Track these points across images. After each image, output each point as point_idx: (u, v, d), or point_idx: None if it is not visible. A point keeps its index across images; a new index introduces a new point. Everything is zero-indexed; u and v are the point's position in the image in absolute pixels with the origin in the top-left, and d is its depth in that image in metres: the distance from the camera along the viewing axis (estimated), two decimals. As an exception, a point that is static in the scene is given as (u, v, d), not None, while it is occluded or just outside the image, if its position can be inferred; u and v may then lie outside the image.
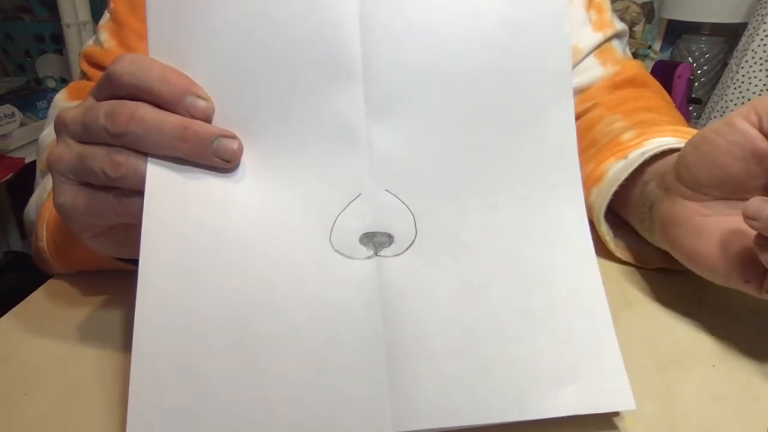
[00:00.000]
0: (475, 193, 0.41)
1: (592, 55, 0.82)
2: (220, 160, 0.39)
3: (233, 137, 0.40)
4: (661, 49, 2.27)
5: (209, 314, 0.36)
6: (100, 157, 0.38)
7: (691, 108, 2.07)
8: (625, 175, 0.57)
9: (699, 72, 2.09)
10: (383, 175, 0.41)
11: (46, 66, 1.96)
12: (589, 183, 0.62)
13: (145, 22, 0.52)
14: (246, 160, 0.40)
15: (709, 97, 1.69)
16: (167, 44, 0.40)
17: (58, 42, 1.93)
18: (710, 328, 0.49)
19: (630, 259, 0.59)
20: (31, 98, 1.79)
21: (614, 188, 0.57)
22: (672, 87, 1.81)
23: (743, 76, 1.52)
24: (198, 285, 0.37)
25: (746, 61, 1.51)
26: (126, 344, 0.47)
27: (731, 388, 0.42)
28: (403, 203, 0.41)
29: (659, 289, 0.55)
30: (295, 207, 0.40)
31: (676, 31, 2.19)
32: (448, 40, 0.41)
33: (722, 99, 1.56)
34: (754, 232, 0.38)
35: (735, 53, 1.59)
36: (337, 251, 0.39)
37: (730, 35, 2.06)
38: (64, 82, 1.93)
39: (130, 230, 0.41)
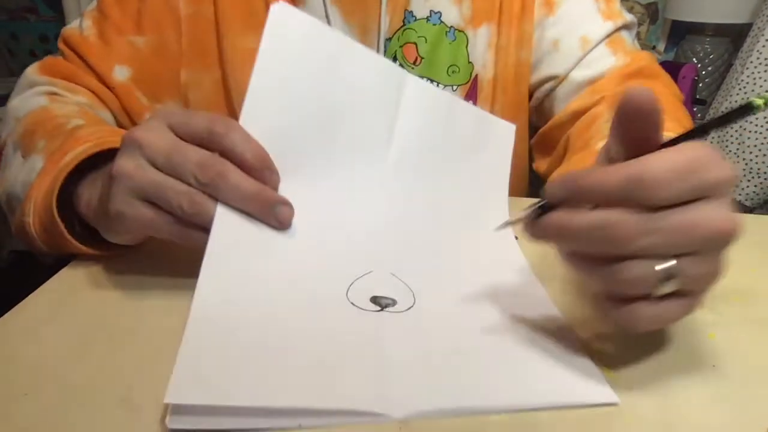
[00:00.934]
0: (457, 277, 0.56)
1: (603, 43, 0.82)
2: (276, 222, 0.50)
3: (290, 205, 0.51)
4: (666, 50, 2.26)
5: (248, 326, 0.45)
6: (180, 193, 0.47)
7: (695, 109, 2.06)
8: None
9: (703, 73, 2.09)
10: (391, 261, 0.55)
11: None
12: None
13: (128, 16, 0.73)
14: (294, 222, 0.52)
15: (713, 98, 1.68)
16: (259, 121, 0.51)
17: (62, 42, 1.93)
18: (710, 328, 0.49)
19: None
20: (36, 98, 1.79)
21: None
22: (682, 101, 1.81)
23: (748, 76, 1.51)
24: (242, 304, 0.47)
25: (751, 62, 1.51)
26: (126, 344, 0.47)
27: (731, 388, 0.42)
28: (405, 284, 0.53)
29: (660, 290, 0.54)
30: (323, 267, 0.52)
31: (681, 32, 2.19)
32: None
33: (726, 100, 1.55)
34: None
35: (740, 54, 1.59)
36: (351, 303, 0.49)
37: (734, 36, 2.06)
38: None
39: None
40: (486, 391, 0.41)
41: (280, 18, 0.53)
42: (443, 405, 0.40)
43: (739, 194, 1.53)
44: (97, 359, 0.45)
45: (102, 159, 0.59)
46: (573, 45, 0.83)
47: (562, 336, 0.47)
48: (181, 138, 0.49)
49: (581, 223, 0.38)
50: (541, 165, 0.92)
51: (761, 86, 1.48)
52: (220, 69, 0.84)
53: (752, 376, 0.43)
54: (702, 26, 2.09)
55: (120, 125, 0.84)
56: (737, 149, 1.51)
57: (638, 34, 2.20)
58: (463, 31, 0.85)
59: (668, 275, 0.37)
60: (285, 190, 0.52)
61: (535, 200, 0.42)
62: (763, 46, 1.49)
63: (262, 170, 0.49)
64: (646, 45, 2.27)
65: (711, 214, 0.36)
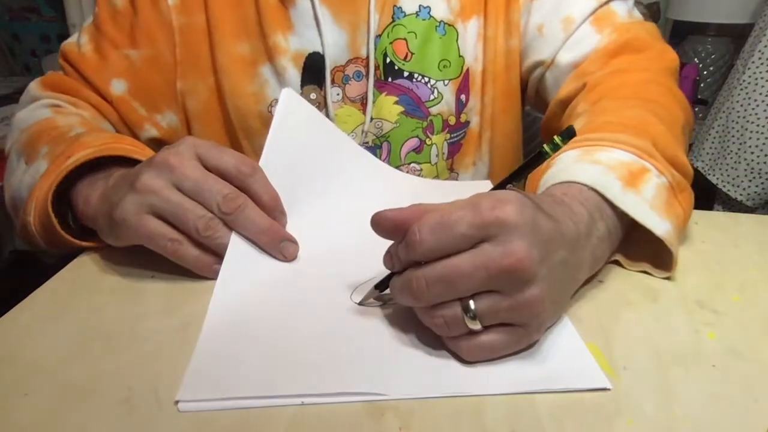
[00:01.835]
0: None
1: (587, 22, 0.80)
2: (281, 256, 0.58)
3: (295, 243, 0.59)
4: (667, 50, 2.26)
5: (258, 329, 0.49)
6: (199, 217, 0.53)
7: (696, 109, 2.06)
8: None
9: (705, 73, 2.09)
10: None
11: (53, 66, 1.96)
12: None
13: (122, 30, 0.81)
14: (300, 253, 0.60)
15: (714, 98, 1.68)
16: (276, 167, 0.60)
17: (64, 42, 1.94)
18: (710, 328, 0.49)
19: None
20: (37, 98, 1.79)
21: None
22: (676, 69, 1.81)
23: (749, 77, 1.51)
24: (252, 313, 0.51)
25: (753, 62, 1.50)
26: (126, 344, 0.47)
27: (731, 388, 0.42)
28: None
29: (659, 289, 0.54)
30: (328, 279, 0.56)
31: (682, 32, 2.18)
32: None
33: (728, 100, 1.55)
34: None
35: (741, 54, 1.58)
36: (354, 303, 0.52)
37: (736, 36, 2.06)
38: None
39: None
40: (482, 374, 0.43)
41: (289, 98, 0.66)
42: (440, 387, 0.42)
43: (741, 194, 1.53)
44: (97, 359, 0.45)
45: (103, 164, 0.62)
46: (556, 27, 0.81)
47: (557, 324, 0.48)
48: (208, 169, 0.55)
49: (393, 286, 0.46)
50: None
51: (763, 86, 1.48)
52: (213, 76, 0.85)
53: (752, 376, 0.43)
54: (704, 26, 2.09)
55: None
56: (738, 149, 1.51)
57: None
58: (452, 26, 0.85)
59: (472, 314, 0.42)
60: (290, 229, 0.61)
61: None
62: (765, 46, 1.48)
63: (274, 211, 0.58)
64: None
65: (495, 253, 0.40)
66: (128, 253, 0.58)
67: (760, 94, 1.48)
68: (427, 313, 0.43)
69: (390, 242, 0.46)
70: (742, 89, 1.52)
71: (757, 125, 1.48)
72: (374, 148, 0.87)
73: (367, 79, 0.84)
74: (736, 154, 1.52)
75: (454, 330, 0.43)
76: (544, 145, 0.45)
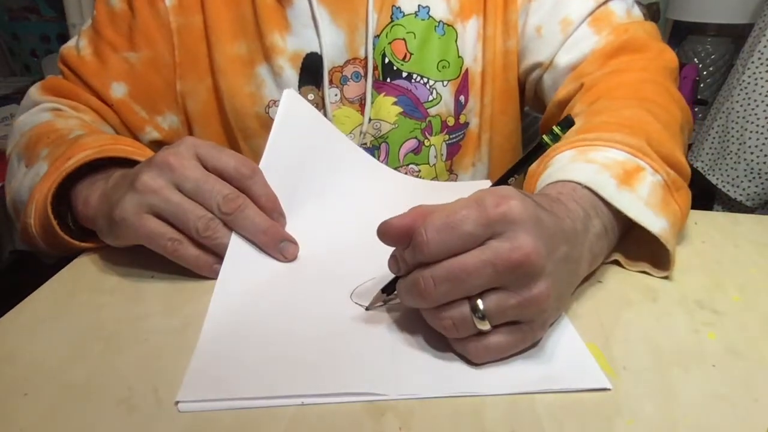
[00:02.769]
0: None
1: (585, 23, 0.80)
2: (281, 256, 0.58)
3: (295, 243, 0.59)
4: (667, 50, 2.26)
5: (258, 329, 0.49)
6: (199, 217, 0.54)
7: (696, 109, 2.06)
8: None
9: (705, 73, 2.09)
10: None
11: (52, 66, 1.96)
12: None
13: (120, 33, 0.82)
14: (301, 253, 0.60)
15: (714, 99, 1.68)
16: (276, 169, 0.61)
17: (63, 42, 1.93)
18: (710, 328, 0.49)
19: None
20: (37, 98, 1.79)
21: None
22: (674, 69, 1.81)
23: (749, 77, 1.51)
24: (255, 307, 0.52)
25: (752, 62, 1.50)
26: (126, 344, 0.47)
27: (731, 388, 0.42)
28: None
29: (659, 289, 0.54)
30: (328, 279, 0.56)
31: (682, 32, 2.18)
32: None
33: (728, 100, 1.55)
34: None
35: (741, 54, 1.58)
36: (355, 303, 0.52)
37: (736, 36, 2.06)
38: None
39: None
40: (482, 374, 0.43)
41: (290, 99, 0.66)
42: (440, 387, 0.42)
43: (740, 194, 1.53)
44: (96, 359, 0.45)
45: (102, 165, 0.62)
46: (555, 29, 0.81)
47: (558, 324, 0.48)
48: (208, 169, 0.56)
49: (399, 289, 0.45)
50: None
51: (762, 86, 1.48)
52: (211, 77, 0.85)
53: (752, 376, 0.43)
54: (703, 26, 2.09)
55: None
56: (738, 149, 1.51)
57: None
58: (452, 26, 0.84)
59: (481, 314, 0.41)
60: (290, 229, 0.61)
61: None
62: (765, 47, 1.48)
63: (273, 212, 0.59)
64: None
65: (503, 248, 0.40)
66: (128, 253, 0.58)
67: (760, 94, 1.48)
68: (435, 315, 0.43)
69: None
70: (741, 89, 1.52)
71: (757, 125, 1.48)
72: (372, 149, 0.86)
73: (366, 80, 0.84)
74: (736, 154, 1.52)
75: (462, 331, 0.42)
76: (544, 136, 0.46)
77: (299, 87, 0.83)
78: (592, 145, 0.57)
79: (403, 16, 0.83)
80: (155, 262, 0.56)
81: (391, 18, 0.83)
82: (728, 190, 1.54)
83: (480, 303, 0.41)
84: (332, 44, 0.82)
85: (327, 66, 0.82)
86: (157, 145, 0.87)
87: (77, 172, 0.61)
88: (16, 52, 2.21)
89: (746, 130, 1.50)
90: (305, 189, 0.66)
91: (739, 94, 1.52)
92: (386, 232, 0.44)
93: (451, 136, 0.88)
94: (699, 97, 2.08)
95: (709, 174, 1.59)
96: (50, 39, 2.14)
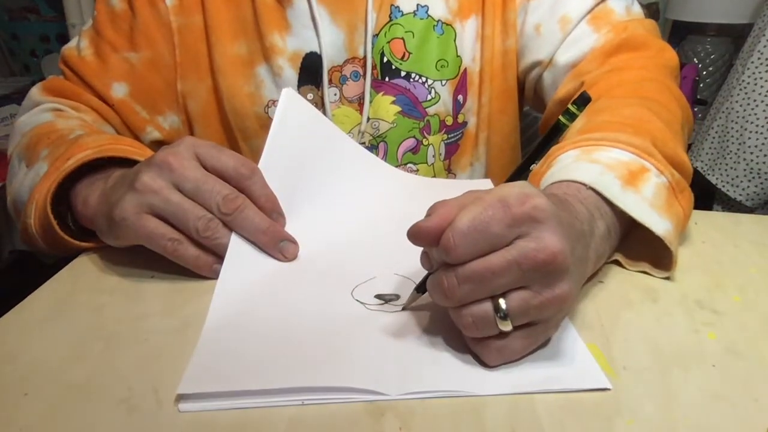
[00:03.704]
0: None
1: (584, 21, 0.80)
2: (281, 255, 0.58)
3: (295, 243, 0.59)
4: (667, 50, 2.26)
5: (259, 326, 0.49)
6: (199, 217, 0.54)
7: (696, 109, 2.06)
8: None
9: (704, 73, 2.09)
10: (393, 263, 0.58)
11: (52, 66, 1.97)
12: None
13: (121, 34, 0.82)
14: (301, 251, 0.60)
15: (714, 99, 1.68)
16: (275, 169, 0.61)
17: (63, 42, 1.92)
18: (710, 328, 0.49)
19: None
20: (37, 98, 1.79)
21: None
22: (675, 67, 1.81)
23: (749, 77, 1.51)
24: (254, 310, 0.51)
25: (752, 62, 1.50)
26: (126, 344, 0.47)
27: (731, 388, 0.42)
28: (408, 278, 0.55)
29: (659, 289, 0.54)
30: (328, 276, 0.57)
31: (682, 32, 2.18)
32: None
33: (728, 100, 1.55)
34: None
35: (741, 54, 1.58)
36: (356, 300, 0.52)
37: (735, 36, 2.06)
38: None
39: None
40: (483, 374, 0.43)
41: (289, 98, 0.66)
42: (438, 388, 0.42)
43: (740, 194, 1.53)
44: (96, 359, 0.45)
45: (102, 165, 0.62)
46: (554, 27, 0.81)
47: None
48: (207, 169, 0.56)
49: (428, 285, 0.44)
50: None
51: (762, 86, 1.48)
52: (211, 77, 0.85)
53: (752, 376, 0.43)
54: (703, 26, 2.09)
55: None
56: (738, 149, 1.51)
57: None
58: (450, 25, 0.85)
59: (503, 314, 0.41)
60: (290, 229, 0.61)
61: None
62: (764, 46, 1.48)
63: (272, 212, 0.59)
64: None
65: (530, 247, 0.40)
66: (128, 253, 0.58)
67: (759, 94, 1.48)
68: (458, 313, 0.42)
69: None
70: (741, 89, 1.52)
71: (757, 125, 1.48)
72: (371, 149, 0.86)
73: (365, 79, 0.84)
74: (736, 154, 1.52)
75: (483, 330, 0.42)
76: (560, 117, 0.45)
77: (298, 87, 0.83)
78: (596, 145, 0.57)
79: (402, 15, 0.83)
80: (155, 262, 0.56)
81: (390, 17, 0.83)
82: (728, 190, 1.54)
83: (503, 302, 0.41)
84: (331, 44, 0.82)
85: (326, 65, 0.82)
86: (157, 145, 0.87)
87: (77, 172, 0.61)
88: (15, 52, 2.20)
89: (746, 130, 1.50)
90: (305, 188, 0.66)
91: (738, 94, 1.52)
92: (416, 235, 0.43)
93: (449, 136, 0.88)
94: (699, 97, 2.08)
95: (708, 174, 1.59)
96: (50, 39, 2.13)
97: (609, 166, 0.54)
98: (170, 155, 0.54)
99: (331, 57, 0.83)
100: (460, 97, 0.87)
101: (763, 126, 1.47)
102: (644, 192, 0.54)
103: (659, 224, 0.53)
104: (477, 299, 0.41)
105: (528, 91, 0.89)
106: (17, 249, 1.65)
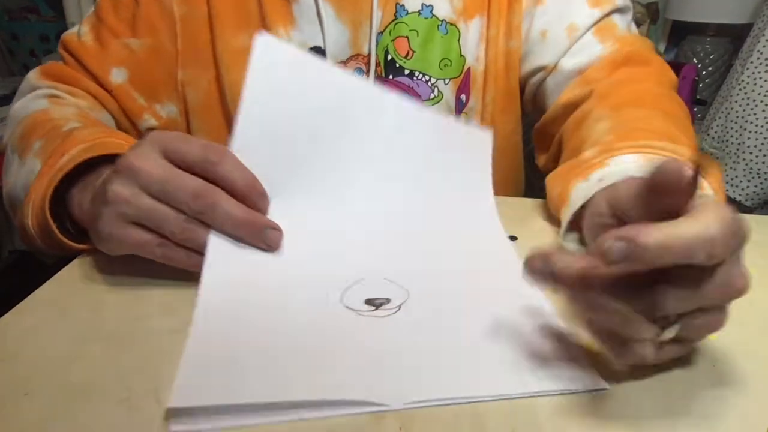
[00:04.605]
0: (449, 275, 0.57)
1: (590, 32, 0.81)
2: (265, 245, 0.54)
3: (279, 229, 0.55)
4: (666, 50, 2.26)
5: (248, 333, 0.47)
6: (173, 221, 0.51)
7: (695, 109, 2.07)
8: (582, 201, 0.57)
9: (704, 73, 2.09)
10: (382, 266, 0.56)
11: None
12: (559, 204, 0.63)
13: (123, 20, 0.80)
14: (284, 242, 0.55)
15: (713, 99, 1.68)
16: (250, 147, 0.55)
17: (63, 42, 1.93)
18: (711, 329, 0.49)
19: None
20: (36, 98, 1.79)
21: (574, 210, 0.59)
22: (676, 88, 1.81)
23: (748, 77, 1.51)
24: (241, 314, 0.49)
25: (751, 62, 1.51)
26: (126, 344, 0.47)
27: (731, 388, 0.42)
28: (398, 284, 0.54)
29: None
30: (317, 278, 0.54)
31: (681, 32, 2.19)
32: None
33: (727, 100, 1.55)
34: None
35: (740, 54, 1.59)
36: (346, 307, 0.50)
37: (735, 36, 2.06)
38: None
39: None
40: (480, 379, 0.43)
41: (264, 48, 0.57)
42: (439, 394, 0.41)
43: (739, 194, 1.53)
44: (97, 359, 0.45)
45: (96, 162, 0.61)
46: (560, 34, 0.82)
47: (552, 327, 0.48)
48: (175, 164, 0.52)
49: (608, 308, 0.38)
50: (540, 160, 0.92)
51: (761, 86, 1.48)
52: (214, 68, 0.85)
53: (752, 376, 0.43)
54: (702, 26, 2.09)
55: (119, 127, 0.85)
56: (737, 149, 1.51)
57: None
58: (455, 25, 0.85)
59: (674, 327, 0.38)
60: (276, 210, 0.56)
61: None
62: (764, 46, 1.49)
63: (252, 195, 0.54)
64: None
65: (735, 273, 0.38)
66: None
67: (759, 94, 1.48)
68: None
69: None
70: (740, 89, 1.52)
71: (756, 125, 1.48)
72: None
73: (368, 76, 0.84)
74: (735, 154, 1.52)
75: (639, 335, 0.38)
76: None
77: None
78: (657, 154, 0.58)
79: (407, 14, 0.83)
80: (155, 262, 0.56)
81: (395, 15, 0.83)
82: (727, 190, 1.54)
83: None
84: (336, 40, 0.83)
85: (330, 61, 0.82)
86: None
87: (74, 170, 0.60)
88: (15, 52, 2.20)
89: (745, 130, 1.50)
90: (291, 156, 0.59)
91: (738, 94, 1.53)
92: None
93: None
94: (698, 97, 2.08)
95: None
96: (49, 39, 2.13)
97: None
98: (133, 157, 0.51)
99: (334, 53, 0.83)
100: (463, 96, 0.87)
101: (762, 126, 1.48)
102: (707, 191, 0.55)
103: None
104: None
105: (527, 95, 0.90)
106: (17, 249, 1.66)
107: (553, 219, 0.67)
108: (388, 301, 0.51)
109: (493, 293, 0.54)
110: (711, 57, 2.09)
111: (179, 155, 0.52)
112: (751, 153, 1.49)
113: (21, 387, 0.42)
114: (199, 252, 0.53)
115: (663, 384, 0.42)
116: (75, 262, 0.60)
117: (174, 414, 0.39)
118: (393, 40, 0.83)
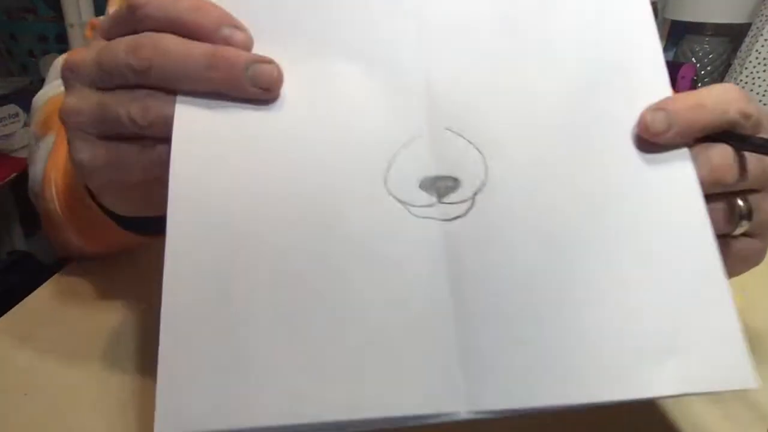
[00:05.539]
0: (552, 131, 0.35)
1: None
2: (256, 90, 0.34)
3: (271, 62, 0.35)
4: (665, 50, 2.26)
5: (245, 269, 0.31)
6: (125, 103, 0.35)
7: (694, 108, 2.06)
8: None
9: (702, 72, 2.09)
10: (445, 112, 0.35)
11: (50, 66, 1.96)
12: None
13: None
14: (285, 91, 0.35)
15: (712, 98, 1.68)
16: None
17: (61, 42, 1.94)
18: (711, 329, 0.49)
19: None
20: (35, 98, 1.79)
21: None
22: (675, 88, 1.81)
23: (747, 76, 1.51)
24: (233, 238, 0.31)
25: (750, 62, 1.51)
26: (125, 345, 0.47)
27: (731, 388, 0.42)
28: (470, 142, 0.34)
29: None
30: (343, 147, 0.33)
31: (680, 32, 2.18)
32: None
33: (726, 99, 1.55)
34: None
35: (739, 54, 1.59)
36: (392, 196, 0.32)
37: (734, 36, 2.06)
38: (67, 82, 1.94)
39: (156, 185, 0.35)
40: (591, 380, 0.30)
41: None
42: (534, 400, 0.30)
43: (739, 194, 1.53)
44: (96, 360, 0.45)
45: None
46: None
47: (708, 291, 0.33)
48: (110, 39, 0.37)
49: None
50: None
51: (760, 86, 1.48)
52: None
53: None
54: (701, 26, 2.09)
55: None
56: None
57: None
58: None
59: (746, 212, 0.36)
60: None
61: None
62: (762, 46, 1.49)
63: (218, 29, 0.35)
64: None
65: None
66: (128, 252, 0.58)
67: (757, 93, 1.49)
68: None
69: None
70: (739, 89, 1.52)
71: (755, 125, 1.48)
72: None
73: None
74: (734, 153, 1.53)
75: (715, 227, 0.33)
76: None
77: None
78: None
79: None
80: (156, 261, 0.55)
81: None
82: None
83: (753, 198, 0.36)
84: None
85: None
86: None
87: None
88: (13, 53, 2.20)
89: (744, 129, 1.50)
90: None
91: (737, 94, 1.53)
92: None
93: None
94: (697, 96, 2.08)
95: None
96: (48, 39, 2.13)
97: None
98: (67, 56, 0.39)
99: None
100: None
101: (761, 126, 1.48)
102: None
103: None
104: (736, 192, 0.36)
105: None
106: (16, 249, 1.65)
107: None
108: (455, 183, 0.33)
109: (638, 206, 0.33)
110: (710, 56, 2.09)
111: (107, 25, 0.38)
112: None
113: (20, 387, 0.42)
114: None
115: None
116: (75, 262, 0.60)
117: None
118: None
